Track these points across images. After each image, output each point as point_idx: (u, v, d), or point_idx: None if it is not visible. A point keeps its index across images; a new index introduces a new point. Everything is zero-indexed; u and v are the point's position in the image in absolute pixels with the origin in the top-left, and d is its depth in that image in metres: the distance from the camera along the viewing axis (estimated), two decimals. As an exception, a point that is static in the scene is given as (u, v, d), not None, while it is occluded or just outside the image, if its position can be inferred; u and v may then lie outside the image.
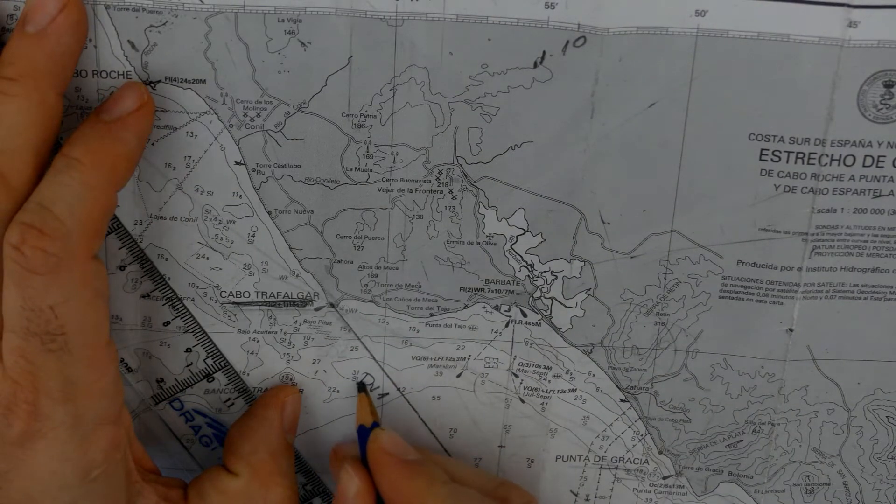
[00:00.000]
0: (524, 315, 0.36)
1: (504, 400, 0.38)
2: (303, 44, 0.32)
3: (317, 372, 0.37)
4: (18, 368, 0.28)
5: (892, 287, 0.35)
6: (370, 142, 0.33)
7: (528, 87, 0.33)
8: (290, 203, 0.34)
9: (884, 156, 0.33)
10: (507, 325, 0.37)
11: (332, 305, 0.36)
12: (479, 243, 0.35)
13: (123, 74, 0.32)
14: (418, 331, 0.36)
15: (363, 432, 0.36)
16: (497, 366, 0.37)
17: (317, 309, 0.36)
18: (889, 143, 0.33)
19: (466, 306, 0.36)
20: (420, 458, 0.35)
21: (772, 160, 0.33)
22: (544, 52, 0.32)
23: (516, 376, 0.37)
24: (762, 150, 0.33)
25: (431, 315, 0.36)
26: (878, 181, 0.34)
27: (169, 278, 0.35)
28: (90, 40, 0.31)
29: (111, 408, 0.31)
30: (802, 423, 0.38)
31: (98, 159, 0.29)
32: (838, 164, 0.33)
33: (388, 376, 0.37)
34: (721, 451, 0.38)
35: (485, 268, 0.36)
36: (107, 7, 0.31)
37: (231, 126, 0.33)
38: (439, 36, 0.32)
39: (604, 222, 0.35)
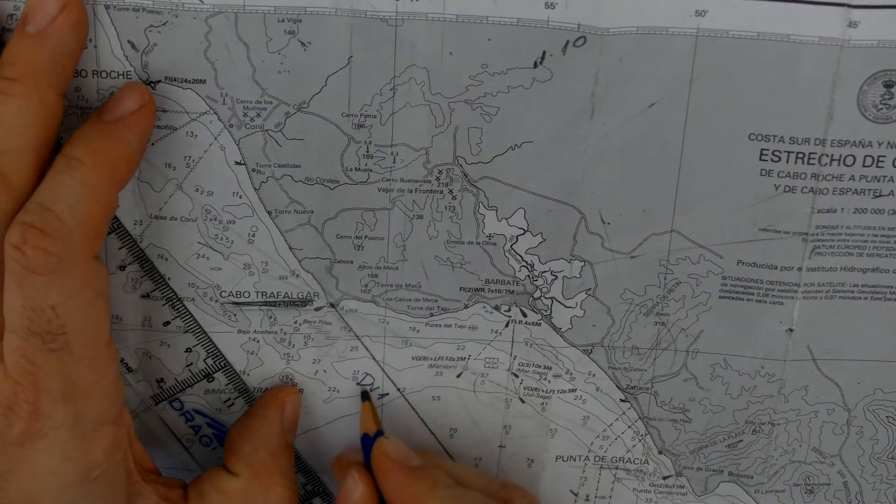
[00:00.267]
0: (524, 315, 0.36)
1: (504, 400, 0.38)
2: (303, 44, 0.32)
3: (317, 372, 0.37)
4: (19, 368, 0.28)
5: (892, 287, 0.35)
6: (370, 142, 0.33)
7: (528, 87, 0.33)
8: (290, 203, 0.34)
9: (884, 156, 0.33)
10: (507, 325, 0.37)
11: (332, 305, 0.36)
12: (479, 243, 0.35)
13: (123, 74, 0.32)
14: (418, 331, 0.36)
15: (367, 440, 0.36)
16: (497, 366, 0.37)
17: (317, 309, 0.36)
18: (889, 143, 0.33)
19: (466, 306, 0.36)
20: (423, 463, 0.35)
21: (772, 160, 0.33)
22: (544, 52, 0.32)
23: (516, 376, 0.37)
24: (762, 150, 0.33)
25: (431, 315, 0.36)
26: (878, 181, 0.34)
27: (169, 278, 0.35)
28: (90, 40, 0.31)
29: (112, 408, 0.31)
30: (802, 423, 0.38)
31: (99, 159, 0.29)
32: (838, 164, 0.33)
33: (387, 376, 0.37)
34: (721, 451, 0.38)
35: (485, 268, 0.36)
36: (107, 7, 0.31)
37: (231, 126, 0.33)
38: (439, 36, 0.32)
39: (604, 222, 0.35)
